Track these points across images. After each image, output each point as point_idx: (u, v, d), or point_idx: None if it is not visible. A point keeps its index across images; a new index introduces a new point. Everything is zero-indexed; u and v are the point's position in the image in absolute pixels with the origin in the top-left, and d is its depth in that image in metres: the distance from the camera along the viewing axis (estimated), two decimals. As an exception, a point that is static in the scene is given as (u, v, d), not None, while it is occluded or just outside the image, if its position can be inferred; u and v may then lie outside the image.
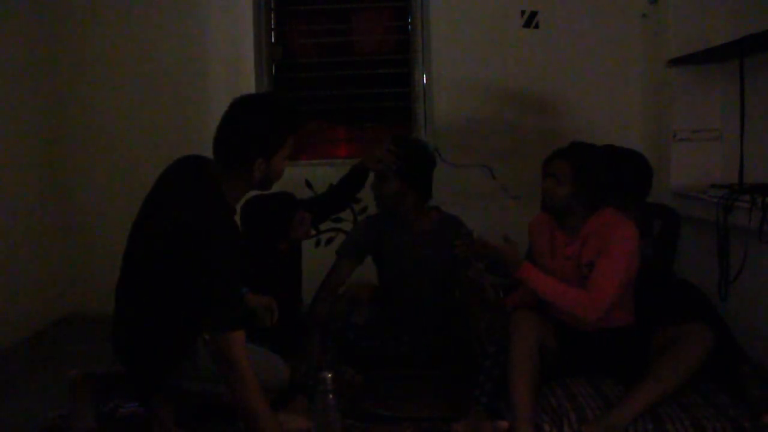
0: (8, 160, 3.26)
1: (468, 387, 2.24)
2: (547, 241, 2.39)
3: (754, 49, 2.60)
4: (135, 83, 3.67)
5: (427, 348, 2.69)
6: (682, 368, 2.04)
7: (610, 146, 2.68)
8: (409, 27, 3.82)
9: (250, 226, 2.64)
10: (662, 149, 3.24)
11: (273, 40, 3.88)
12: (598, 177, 2.27)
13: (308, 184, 3.67)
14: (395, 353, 2.67)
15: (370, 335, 2.65)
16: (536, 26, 3.61)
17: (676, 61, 3.08)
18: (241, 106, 1.96)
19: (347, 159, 3.80)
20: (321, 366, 2.36)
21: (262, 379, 1.90)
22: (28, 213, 3.43)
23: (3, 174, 3.21)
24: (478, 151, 3.68)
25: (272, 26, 3.87)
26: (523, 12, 3.61)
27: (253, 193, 2.21)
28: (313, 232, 3.49)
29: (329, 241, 3.69)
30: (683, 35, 3.09)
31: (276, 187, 2.21)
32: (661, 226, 2.60)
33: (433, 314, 2.71)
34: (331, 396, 1.83)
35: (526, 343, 2.13)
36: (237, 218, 2.00)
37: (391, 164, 2.62)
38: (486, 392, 2.18)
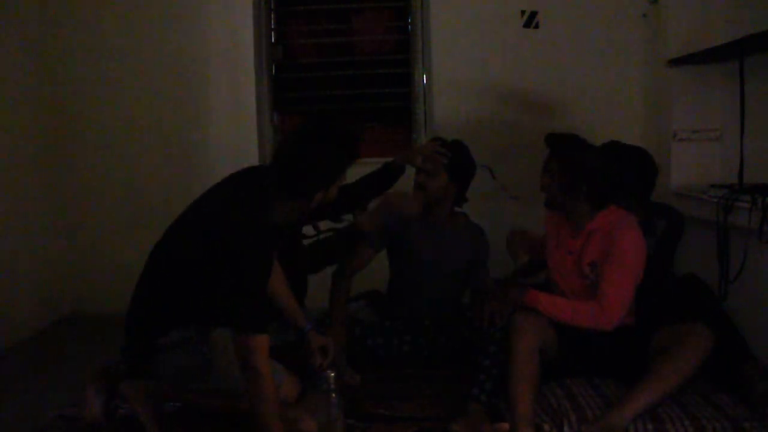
0: (8, 160, 3.26)
1: (468, 386, 2.24)
2: (555, 233, 2.40)
3: (754, 49, 2.60)
4: (135, 83, 3.67)
5: (428, 348, 2.69)
6: (682, 368, 2.04)
7: (615, 142, 2.65)
8: (409, 27, 3.82)
9: None
10: (662, 149, 3.23)
11: (273, 40, 3.88)
12: (588, 171, 2.25)
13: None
14: (397, 352, 2.68)
15: (374, 333, 2.66)
16: (536, 26, 3.61)
17: (676, 61, 3.08)
18: (305, 138, 1.98)
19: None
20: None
21: None
22: (28, 213, 3.43)
23: (3, 174, 3.21)
24: (478, 151, 3.65)
25: (272, 26, 3.87)
26: (523, 12, 3.61)
27: None
28: (313, 232, 3.49)
29: (329, 241, 3.68)
30: (683, 35, 3.09)
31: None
32: (665, 226, 2.58)
33: (439, 314, 2.72)
34: (333, 395, 1.83)
35: (526, 344, 2.13)
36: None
37: (443, 159, 2.62)
38: (485, 391, 2.18)
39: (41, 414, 2.32)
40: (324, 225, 3.67)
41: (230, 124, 3.68)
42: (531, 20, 3.61)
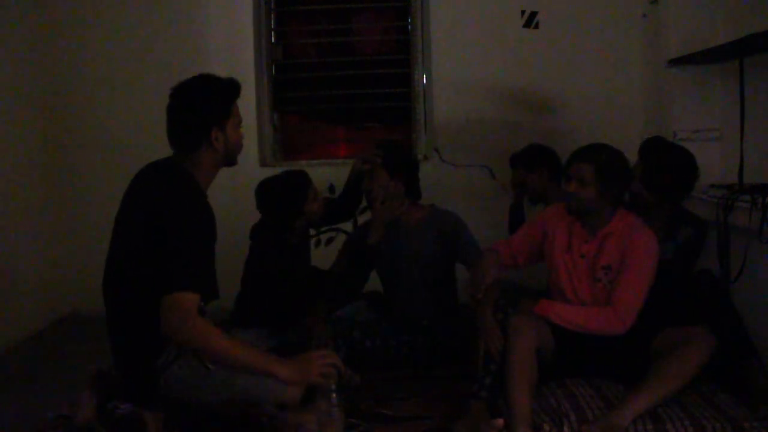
0: (8, 160, 3.26)
1: (468, 385, 2.25)
2: (565, 234, 2.37)
3: (754, 49, 2.60)
4: (135, 83, 3.67)
5: (426, 348, 2.69)
6: (684, 372, 2.04)
7: (659, 139, 2.66)
8: (409, 27, 3.82)
9: (266, 203, 2.72)
10: (662, 149, 3.24)
11: (273, 40, 3.88)
12: (622, 177, 2.26)
13: (308, 184, 3.66)
14: (396, 353, 2.68)
15: (373, 333, 2.66)
16: (536, 26, 3.62)
17: (676, 61, 3.08)
18: (177, 91, 2.02)
19: (347, 159, 3.80)
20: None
21: (264, 392, 1.90)
22: (28, 213, 3.43)
23: (3, 174, 3.21)
24: (478, 151, 3.68)
25: (272, 26, 3.87)
26: (523, 12, 3.62)
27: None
28: (314, 231, 3.50)
29: (329, 240, 3.69)
30: (683, 35, 3.09)
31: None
32: (691, 234, 2.52)
33: (435, 313, 2.72)
34: (333, 395, 1.83)
35: (524, 344, 2.13)
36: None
37: (377, 159, 2.71)
38: (485, 387, 2.18)
39: (41, 414, 2.32)
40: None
41: (230, 124, 3.68)
42: (531, 20, 3.61)
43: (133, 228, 1.95)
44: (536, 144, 3.19)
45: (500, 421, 2.05)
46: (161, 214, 1.87)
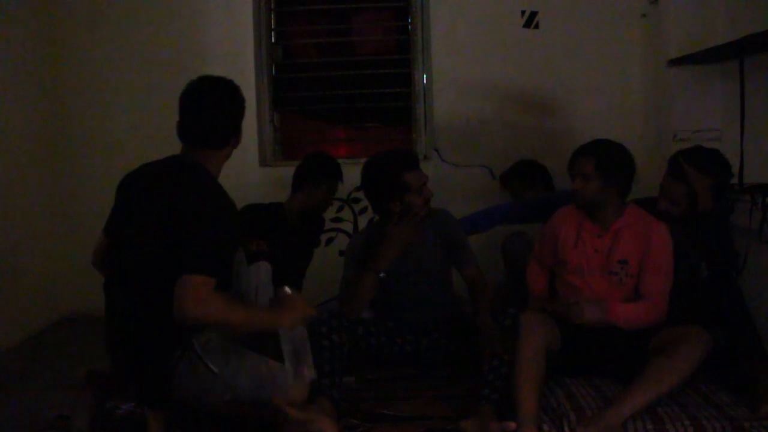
0: (9, 159, 3.26)
1: (472, 385, 2.24)
2: (573, 230, 2.39)
3: (754, 49, 2.60)
4: (135, 83, 3.67)
5: (430, 348, 2.69)
6: (678, 370, 2.04)
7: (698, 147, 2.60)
8: (409, 27, 3.82)
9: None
10: (662, 149, 3.23)
11: (273, 40, 3.88)
12: (623, 167, 2.31)
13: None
14: (400, 352, 2.67)
15: (377, 332, 2.65)
16: (536, 26, 3.62)
17: (676, 61, 3.08)
18: (218, 86, 2.08)
19: (347, 159, 3.80)
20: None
21: (269, 393, 1.90)
22: (28, 213, 3.43)
23: (4, 174, 3.21)
24: (478, 151, 3.68)
25: (272, 26, 3.87)
26: (523, 12, 3.62)
27: None
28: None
29: (329, 240, 3.69)
30: (683, 35, 3.10)
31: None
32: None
33: (440, 314, 2.71)
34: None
35: (532, 344, 2.12)
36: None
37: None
38: (496, 390, 2.18)
39: (41, 414, 2.32)
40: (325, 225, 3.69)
41: (230, 124, 3.68)
42: (531, 20, 3.61)
43: (149, 224, 1.91)
44: (525, 160, 3.16)
45: (512, 425, 2.04)
46: (179, 205, 1.87)
